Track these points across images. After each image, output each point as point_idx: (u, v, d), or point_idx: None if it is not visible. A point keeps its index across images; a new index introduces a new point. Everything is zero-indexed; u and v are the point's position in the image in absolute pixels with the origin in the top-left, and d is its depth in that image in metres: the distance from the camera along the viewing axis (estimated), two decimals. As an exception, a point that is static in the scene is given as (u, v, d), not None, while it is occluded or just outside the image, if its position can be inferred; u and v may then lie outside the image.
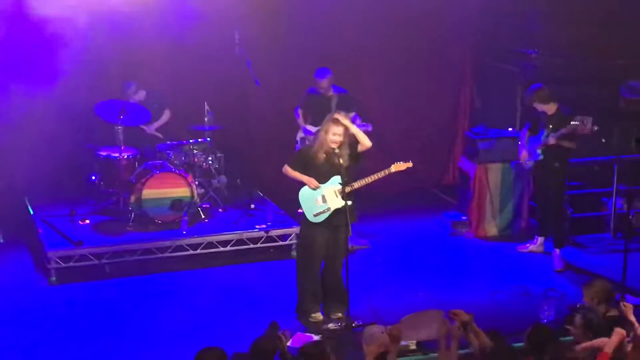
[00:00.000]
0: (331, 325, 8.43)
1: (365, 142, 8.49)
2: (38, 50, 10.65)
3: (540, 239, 10.28)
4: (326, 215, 8.44)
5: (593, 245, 10.75)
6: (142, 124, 10.96)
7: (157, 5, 10.73)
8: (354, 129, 8.49)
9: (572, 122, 9.63)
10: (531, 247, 10.35)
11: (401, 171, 8.70)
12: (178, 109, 11.41)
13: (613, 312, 7.32)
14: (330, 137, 8.34)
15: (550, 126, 9.76)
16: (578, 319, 6.80)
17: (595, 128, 9.76)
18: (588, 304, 7.55)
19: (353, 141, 8.49)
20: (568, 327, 6.96)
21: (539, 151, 9.89)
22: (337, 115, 8.44)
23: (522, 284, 9.52)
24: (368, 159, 9.78)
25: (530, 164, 10.09)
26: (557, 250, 9.99)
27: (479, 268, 10.11)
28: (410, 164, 8.62)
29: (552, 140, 9.71)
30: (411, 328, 7.28)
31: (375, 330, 6.65)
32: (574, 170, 10.16)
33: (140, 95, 11.00)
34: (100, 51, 10.82)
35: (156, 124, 11.21)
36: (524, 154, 10.14)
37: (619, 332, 6.46)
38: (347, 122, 8.46)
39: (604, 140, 10.99)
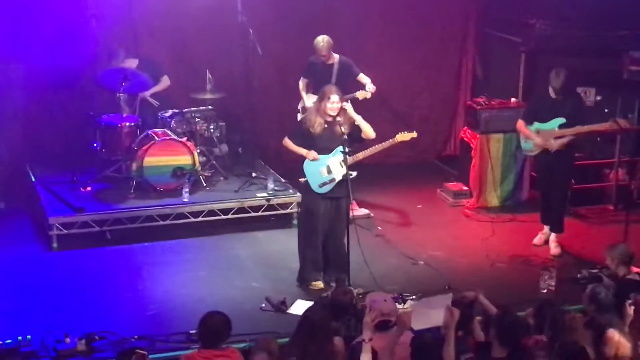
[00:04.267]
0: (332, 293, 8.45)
1: (369, 134, 8.52)
2: (38, 17, 10.61)
3: (547, 228, 9.81)
4: (332, 185, 8.46)
5: (594, 217, 10.74)
6: (144, 91, 10.91)
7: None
8: (360, 121, 8.50)
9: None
10: (543, 238, 9.82)
11: (403, 142, 8.74)
12: (180, 77, 11.37)
13: (633, 276, 7.40)
14: (328, 105, 8.35)
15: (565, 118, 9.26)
16: (587, 290, 6.83)
17: (598, 98, 9.69)
18: (608, 265, 7.64)
19: (354, 126, 8.52)
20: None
21: (553, 140, 9.31)
22: (345, 105, 8.43)
23: (522, 255, 9.55)
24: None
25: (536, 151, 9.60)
26: (555, 236, 9.68)
27: (479, 239, 10.12)
28: (414, 134, 8.73)
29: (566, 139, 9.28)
30: (421, 314, 7.17)
31: (378, 295, 6.66)
32: (575, 141, 10.03)
33: (130, 64, 10.79)
34: (101, 19, 10.77)
35: (152, 90, 11.00)
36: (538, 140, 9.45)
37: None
38: (352, 113, 8.48)
39: (607, 111, 10.95)
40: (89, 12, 10.66)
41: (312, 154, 8.44)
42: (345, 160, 8.31)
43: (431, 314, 6.44)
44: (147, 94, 11.00)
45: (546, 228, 9.79)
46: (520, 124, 9.63)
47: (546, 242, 9.74)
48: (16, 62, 10.70)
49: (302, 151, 8.50)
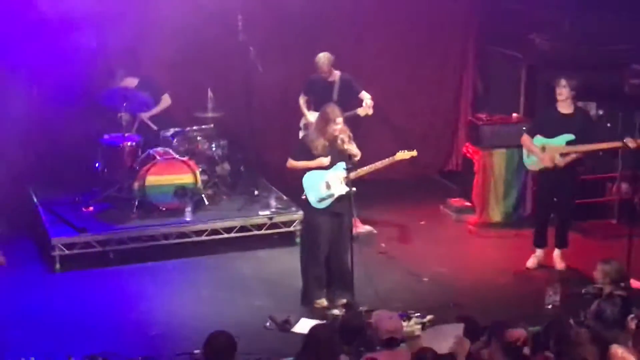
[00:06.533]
0: (336, 311, 8.42)
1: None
2: (37, 40, 10.62)
3: (539, 250, 9.70)
4: (330, 201, 8.44)
5: (597, 231, 10.70)
6: (145, 111, 10.92)
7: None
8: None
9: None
10: (536, 261, 9.69)
11: (405, 159, 8.73)
12: (181, 96, 11.37)
13: (620, 292, 7.34)
14: (332, 125, 8.35)
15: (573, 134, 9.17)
16: (593, 306, 6.80)
17: (600, 112, 9.64)
18: (598, 279, 7.56)
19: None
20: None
21: (559, 157, 9.23)
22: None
23: (527, 270, 9.53)
24: (372, 144, 9.81)
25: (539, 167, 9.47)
26: (559, 251, 9.65)
27: (482, 255, 10.10)
28: (414, 153, 8.70)
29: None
30: (430, 341, 7.13)
31: (384, 313, 6.63)
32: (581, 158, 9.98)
33: (129, 83, 10.82)
34: (101, 38, 10.78)
35: (151, 112, 11.04)
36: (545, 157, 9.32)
37: None
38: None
39: (609, 125, 10.93)
40: (89, 32, 10.66)
41: (322, 161, 8.39)
42: (347, 177, 8.30)
43: (442, 344, 6.39)
44: (145, 116, 10.99)
45: (539, 251, 9.70)
46: (526, 138, 9.52)
47: (539, 264, 9.66)
48: (15, 85, 10.68)
49: (312, 164, 8.46)
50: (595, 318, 6.73)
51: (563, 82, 9.21)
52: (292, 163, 8.58)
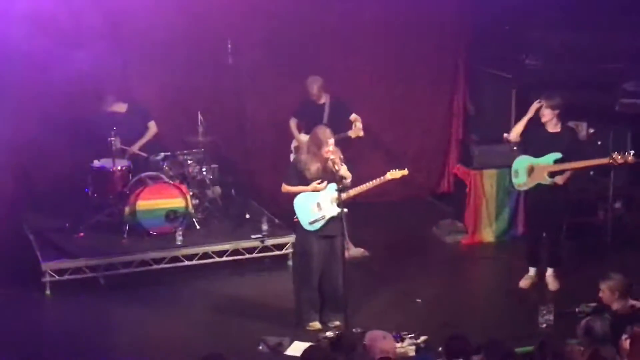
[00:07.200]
0: (329, 334, 8.36)
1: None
2: (27, 63, 10.60)
3: (533, 270, 9.69)
4: (322, 222, 8.41)
5: (590, 251, 10.67)
6: (134, 137, 10.87)
7: (148, 14, 10.68)
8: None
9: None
10: (529, 282, 9.65)
11: (396, 179, 8.71)
12: (171, 120, 11.35)
13: (624, 312, 7.29)
14: (324, 147, 8.34)
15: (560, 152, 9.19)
16: (582, 322, 6.76)
17: (591, 131, 9.65)
18: (605, 298, 7.48)
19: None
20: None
21: (547, 176, 9.24)
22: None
23: (520, 290, 9.50)
24: (363, 166, 9.80)
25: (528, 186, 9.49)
26: (552, 270, 9.61)
27: (476, 274, 10.07)
28: (405, 172, 8.65)
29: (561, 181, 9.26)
30: None
31: (378, 333, 6.59)
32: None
33: (119, 108, 10.79)
34: (91, 63, 10.75)
35: (139, 143, 10.95)
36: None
37: None
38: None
39: (599, 143, 10.93)
40: (79, 57, 10.64)
41: (318, 186, 8.37)
42: (339, 198, 8.27)
43: None
44: (135, 148, 10.91)
45: (532, 270, 9.67)
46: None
47: (533, 284, 9.63)
48: (5, 109, 10.64)
49: (307, 189, 8.44)
50: (584, 334, 6.67)
51: (543, 104, 9.23)
52: (286, 188, 8.55)
